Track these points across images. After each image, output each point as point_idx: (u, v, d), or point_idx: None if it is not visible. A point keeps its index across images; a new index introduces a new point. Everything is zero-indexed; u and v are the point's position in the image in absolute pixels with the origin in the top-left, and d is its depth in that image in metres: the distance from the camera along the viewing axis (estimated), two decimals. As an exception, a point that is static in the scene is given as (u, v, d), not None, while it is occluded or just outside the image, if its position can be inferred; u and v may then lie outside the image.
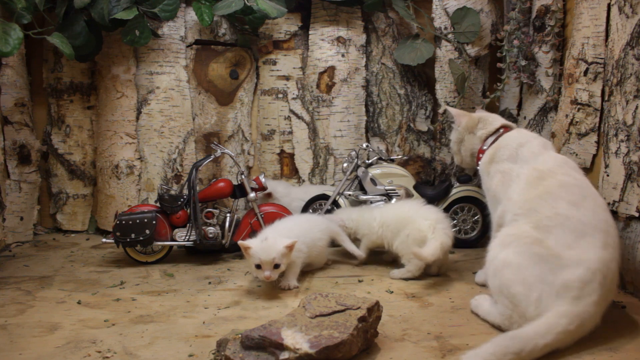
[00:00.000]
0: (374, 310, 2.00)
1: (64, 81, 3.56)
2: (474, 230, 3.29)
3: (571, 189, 2.18)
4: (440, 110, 3.50)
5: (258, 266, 2.41)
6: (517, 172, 2.34)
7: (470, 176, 3.39)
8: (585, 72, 2.91)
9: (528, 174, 2.28)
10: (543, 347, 1.85)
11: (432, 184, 3.60)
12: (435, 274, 2.80)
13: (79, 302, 2.45)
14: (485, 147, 2.55)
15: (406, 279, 2.74)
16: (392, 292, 2.56)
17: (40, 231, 3.65)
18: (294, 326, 1.86)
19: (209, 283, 2.71)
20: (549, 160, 2.30)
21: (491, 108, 3.51)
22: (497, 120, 2.60)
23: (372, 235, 2.91)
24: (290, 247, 2.46)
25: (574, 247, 2.02)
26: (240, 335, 1.86)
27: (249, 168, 3.70)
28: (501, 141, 2.49)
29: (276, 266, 2.42)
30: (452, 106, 3.45)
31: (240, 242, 2.45)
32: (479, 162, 2.57)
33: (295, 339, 1.79)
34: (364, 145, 3.34)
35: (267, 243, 2.43)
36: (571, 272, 1.97)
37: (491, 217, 2.53)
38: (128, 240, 2.90)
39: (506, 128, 2.57)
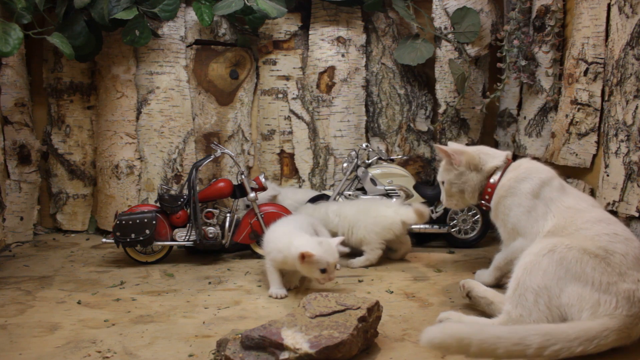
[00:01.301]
0: (374, 310, 2.00)
1: (63, 81, 3.56)
2: (473, 231, 3.29)
3: (618, 222, 2.17)
4: (440, 111, 3.50)
5: (323, 270, 2.34)
6: (544, 210, 2.33)
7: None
8: (585, 72, 2.91)
9: (563, 211, 2.27)
10: (576, 353, 1.79)
11: (432, 184, 3.59)
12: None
13: (79, 302, 2.45)
14: (493, 181, 2.52)
15: (365, 267, 2.93)
16: (392, 292, 2.56)
17: (40, 231, 3.65)
18: (294, 326, 1.86)
19: (209, 283, 2.70)
20: (581, 200, 2.31)
21: (491, 108, 3.52)
22: (499, 152, 2.58)
23: (328, 225, 3.01)
24: (338, 244, 2.45)
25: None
26: (240, 335, 1.86)
27: (249, 168, 3.70)
28: (519, 173, 2.46)
29: (336, 267, 2.41)
30: (451, 106, 3.45)
31: (302, 252, 2.31)
32: (491, 197, 2.52)
33: (295, 339, 1.79)
34: (364, 145, 3.34)
35: (327, 246, 2.37)
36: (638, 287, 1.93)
37: (504, 244, 2.53)
38: (128, 240, 2.90)
39: (508, 158, 2.56)
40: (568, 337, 1.79)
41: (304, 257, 2.32)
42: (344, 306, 1.97)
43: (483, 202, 2.58)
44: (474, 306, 2.30)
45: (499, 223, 2.54)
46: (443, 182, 2.63)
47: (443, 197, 2.67)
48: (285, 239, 2.46)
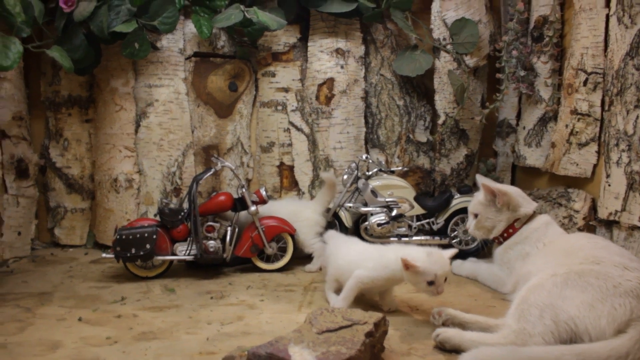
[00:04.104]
0: (381, 325, 1.98)
1: (62, 94, 3.54)
2: (474, 242, 3.27)
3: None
4: (440, 121, 3.49)
5: (431, 282, 2.22)
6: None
7: (471, 187, 3.39)
8: (585, 82, 2.92)
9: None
10: None
11: (432, 195, 3.58)
12: None
13: (79, 319, 2.42)
14: (517, 226, 2.71)
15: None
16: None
17: (38, 246, 3.61)
18: (301, 342, 1.84)
19: (211, 298, 2.68)
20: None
21: (490, 118, 3.52)
22: (532, 201, 2.77)
23: None
24: (451, 258, 2.33)
25: (628, 269, 2.06)
26: (246, 352, 1.84)
27: (248, 181, 3.68)
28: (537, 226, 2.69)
29: (445, 279, 2.28)
30: (451, 117, 3.45)
31: (402, 259, 2.23)
32: (509, 237, 2.72)
33: (303, 356, 1.77)
34: (364, 157, 3.33)
35: (436, 256, 2.26)
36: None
37: (500, 277, 2.73)
38: (128, 255, 2.87)
39: (535, 210, 2.75)
40: (600, 357, 1.81)
41: (407, 266, 2.23)
42: (350, 321, 1.95)
43: (500, 238, 2.76)
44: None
45: (499, 255, 2.76)
46: (476, 215, 2.79)
47: (471, 226, 2.82)
48: (391, 253, 2.37)
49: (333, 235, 2.83)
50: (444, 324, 2.20)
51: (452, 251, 2.33)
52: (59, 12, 3.15)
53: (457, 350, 2.03)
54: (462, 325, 2.17)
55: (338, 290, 2.54)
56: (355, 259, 2.47)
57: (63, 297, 2.71)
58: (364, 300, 2.52)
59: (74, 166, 3.60)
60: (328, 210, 3.32)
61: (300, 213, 3.19)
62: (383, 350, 2.01)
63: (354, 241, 2.71)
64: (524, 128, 3.42)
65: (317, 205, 3.27)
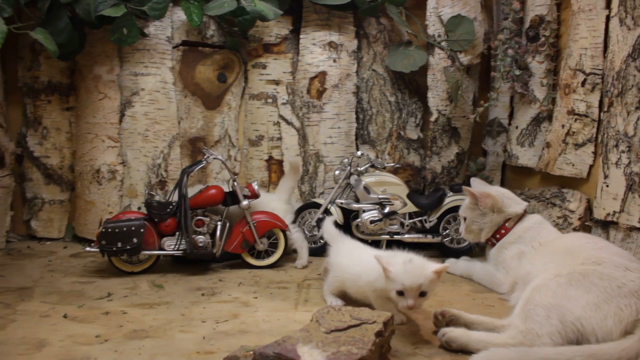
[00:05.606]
0: (389, 324, 1.92)
1: (41, 80, 3.37)
2: (466, 240, 3.24)
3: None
4: (432, 119, 3.45)
5: (400, 292, 2.04)
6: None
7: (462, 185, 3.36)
8: (583, 83, 2.91)
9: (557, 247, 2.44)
10: None
11: (422, 192, 3.54)
12: None
13: (65, 316, 2.29)
14: (509, 226, 2.69)
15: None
16: (394, 304, 2.49)
17: (13, 238, 3.43)
18: (309, 342, 1.76)
19: (202, 295, 2.58)
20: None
21: (482, 117, 3.49)
22: (520, 200, 2.77)
23: None
24: (439, 273, 2.09)
25: (630, 270, 2.05)
26: (252, 352, 1.76)
27: (235, 174, 3.57)
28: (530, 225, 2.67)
29: (422, 294, 2.06)
30: (443, 115, 3.41)
31: (379, 259, 2.08)
32: (501, 238, 2.69)
33: (313, 356, 1.70)
34: (359, 153, 3.26)
35: (413, 265, 2.06)
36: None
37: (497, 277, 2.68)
38: (114, 249, 2.74)
39: (525, 209, 2.73)
40: (611, 358, 1.80)
41: (384, 270, 2.08)
42: (359, 320, 1.88)
43: (493, 240, 2.74)
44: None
45: (497, 261, 2.71)
46: (465, 218, 2.78)
47: (462, 230, 2.82)
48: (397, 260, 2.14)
49: (335, 236, 2.62)
50: (447, 325, 2.15)
51: (443, 266, 2.11)
52: (43, -7, 3.00)
53: (463, 350, 1.99)
54: (467, 326, 2.12)
55: (340, 295, 2.45)
56: (358, 272, 2.31)
57: (45, 293, 2.57)
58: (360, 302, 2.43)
59: (53, 156, 3.44)
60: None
61: (267, 206, 3.08)
62: (390, 350, 1.95)
63: (358, 248, 2.51)
64: (517, 127, 3.40)
65: (281, 195, 3.22)
